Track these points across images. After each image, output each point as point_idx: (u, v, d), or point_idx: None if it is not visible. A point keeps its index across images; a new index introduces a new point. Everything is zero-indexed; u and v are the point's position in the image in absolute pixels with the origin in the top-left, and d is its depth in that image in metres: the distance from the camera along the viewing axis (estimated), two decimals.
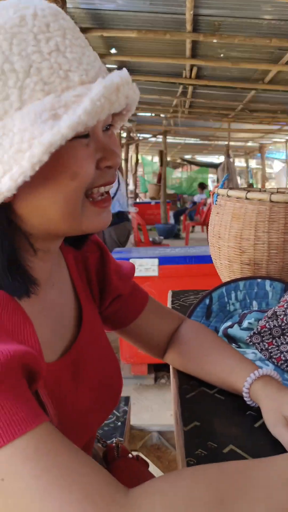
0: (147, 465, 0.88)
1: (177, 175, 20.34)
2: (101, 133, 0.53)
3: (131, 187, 14.28)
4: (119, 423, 1.34)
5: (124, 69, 0.50)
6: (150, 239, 6.37)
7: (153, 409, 2.48)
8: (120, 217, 3.84)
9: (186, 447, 0.61)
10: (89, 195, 0.54)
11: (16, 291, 0.53)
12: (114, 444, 0.89)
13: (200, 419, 0.68)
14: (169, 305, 1.30)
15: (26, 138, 0.44)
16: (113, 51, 5.07)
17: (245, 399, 0.68)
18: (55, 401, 0.55)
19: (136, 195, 14.00)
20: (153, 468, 1.58)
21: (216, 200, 1.18)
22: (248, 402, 0.68)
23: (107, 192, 0.57)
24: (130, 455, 0.90)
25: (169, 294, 1.41)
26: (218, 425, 0.66)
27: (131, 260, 2.59)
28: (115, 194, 3.77)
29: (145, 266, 2.60)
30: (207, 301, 1.03)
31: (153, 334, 0.83)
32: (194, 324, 0.85)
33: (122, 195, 3.89)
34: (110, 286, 0.77)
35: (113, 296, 0.79)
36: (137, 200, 13.46)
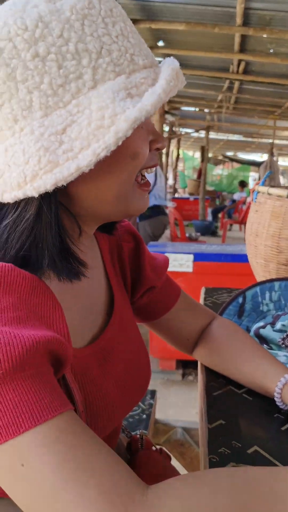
0: (169, 458, 0.88)
1: (217, 172, 20.09)
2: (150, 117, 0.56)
3: (170, 181, 14.24)
4: (144, 416, 1.34)
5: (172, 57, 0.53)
6: (187, 235, 6.33)
7: (179, 405, 2.47)
8: (156, 211, 3.82)
9: (210, 444, 0.60)
10: (136, 178, 0.56)
11: (68, 273, 0.53)
12: (138, 436, 0.89)
13: (225, 418, 0.67)
14: (201, 302, 1.29)
15: (107, 115, 0.45)
16: (160, 43, 5.04)
17: (276, 401, 0.67)
18: (81, 387, 0.56)
19: (175, 190, 13.94)
20: (175, 464, 1.59)
21: (256, 198, 1.15)
22: (279, 404, 0.67)
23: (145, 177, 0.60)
24: (154, 448, 0.90)
25: (202, 290, 1.40)
26: (244, 425, 0.65)
27: (165, 255, 2.59)
28: (152, 187, 3.76)
29: (180, 262, 2.59)
30: (240, 299, 1.01)
31: (183, 329, 0.82)
32: (226, 322, 0.84)
33: (160, 189, 3.87)
34: (143, 278, 0.77)
35: (146, 287, 0.78)
36: (176, 195, 13.40)
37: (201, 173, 10.64)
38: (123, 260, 0.76)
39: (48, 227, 0.50)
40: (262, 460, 0.57)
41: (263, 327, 0.93)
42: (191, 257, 2.59)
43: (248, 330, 0.97)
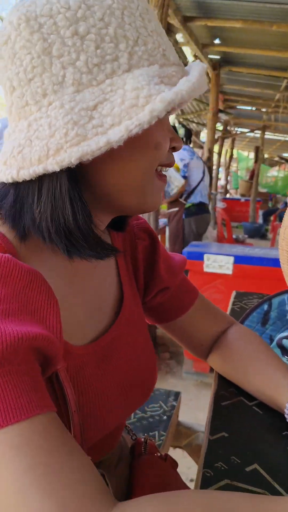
0: (175, 466, 0.85)
1: (273, 174, 19.53)
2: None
3: (222, 182, 14.01)
4: (165, 417, 1.32)
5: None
6: (234, 236, 6.21)
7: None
8: (201, 209, 3.77)
9: (207, 457, 0.58)
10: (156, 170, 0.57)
11: (93, 254, 0.53)
12: (143, 439, 0.87)
13: (229, 430, 0.64)
14: (230, 305, 1.25)
15: (142, 95, 0.46)
16: (217, 41, 4.96)
17: (286, 416, 0.63)
18: (76, 386, 0.55)
19: (226, 191, 13.70)
20: (194, 467, 1.56)
21: None
22: None
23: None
24: (158, 454, 0.88)
25: (233, 294, 1.35)
26: (248, 440, 0.62)
27: (205, 255, 2.54)
28: (198, 184, 3.71)
29: (219, 263, 2.53)
30: (266, 306, 0.97)
31: (198, 333, 0.80)
32: (243, 329, 0.80)
33: (205, 187, 3.82)
34: (157, 278, 0.75)
35: (159, 288, 0.76)
36: (227, 195, 13.17)
37: (253, 174, 10.39)
38: (136, 259, 0.74)
39: (69, 206, 0.49)
40: (259, 480, 0.54)
41: (287, 337, 0.88)
42: (232, 259, 2.53)
43: (271, 339, 0.93)
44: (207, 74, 5.95)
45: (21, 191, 0.51)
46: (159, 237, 4.37)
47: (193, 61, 5.22)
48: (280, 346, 0.88)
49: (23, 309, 0.46)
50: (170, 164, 0.59)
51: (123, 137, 0.45)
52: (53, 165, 0.46)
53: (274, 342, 0.90)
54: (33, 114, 0.48)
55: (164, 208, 3.94)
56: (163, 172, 0.59)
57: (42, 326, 0.47)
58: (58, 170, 0.46)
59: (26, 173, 0.48)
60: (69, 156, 0.45)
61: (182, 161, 3.58)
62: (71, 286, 0.59)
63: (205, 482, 0.53)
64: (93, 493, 0.38)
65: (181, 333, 0.81)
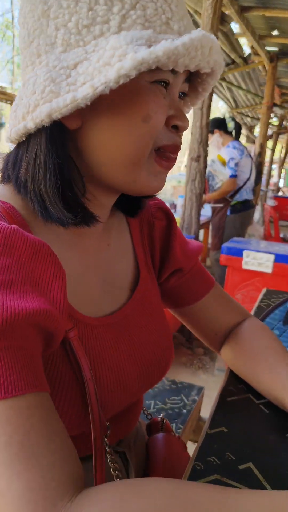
0: (185, 448, 0.85)
1: None
2: (177, 94, 0.54)
3: (274, 179, 13.62)
4: (185, 411, 1.31)
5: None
6: (281, 235, 6.02)
7: None
8: (246, 205, 3.70)
9: (201, 449, 0.56)
10: (157, 151, 0.54)
11: (73, 218, 0.52)
12: (159, 419, 0.87)
13: (230, 426, 0.61)
14: (257, 302, 1.21)
15: (117, 54, 0.44)
16: (275, 32, 4.79)
17: None
18: (92, 356, 0.55)
19: (278, 189, 13.31)
20: None
21: None
22: None
23: (174, 156, 0.56)
24: (172, 433, 0.87)
25: (262, 291, 1.31)
26: (247, 437, 0.59)
27: (245, 252, 2.48)
28: (244, 183, 3.63)
29: (259, 261, 2.46)
30: None
31: (211, 323, 0.78)
32: (257, 324, 0.77)
33: (251, 184, 3.73)
34: (172, 257, 0.75)
35: (174, 268, 0.76)
36: (280, 193, 12.79)
37: None
38: (153, 238, 0.74)
39: (45, 168, 0.50)
40: (251, 480, 0.51)
41: None
42: (272, 257, 2.45)
43: None
44: (264, 66, 5.77)
45: (19, 153, 0.53)
46: (202, 231, 4.33)
47: (250, 53, 5.05)
48: None
49: (26, 280, 0.45)
50: (175, 146, 0.55)
51: (88, 95, 0.44)
52: (30, 122, 0.48)
53: None
54: (28, 74, 0.51)
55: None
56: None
57: (45, 298, 0.46)
58: (33, 127, 0.48)
59: (14, 133, 0.50)
60: (39, 113, 0.46)
61: (233, 160, 3.51)
62: (84, 260, 0.60)
63: (194, 474, 0.52)
64: (61, 478, 0.38)
65: (195, 321, 0.79)
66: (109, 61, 0.44)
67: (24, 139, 0.52)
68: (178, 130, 0.55)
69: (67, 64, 0.47)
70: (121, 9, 0.47)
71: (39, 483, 0.37)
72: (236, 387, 0.72)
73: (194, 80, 0.58)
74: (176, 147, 0.55)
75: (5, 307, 0.40)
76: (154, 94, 0.50)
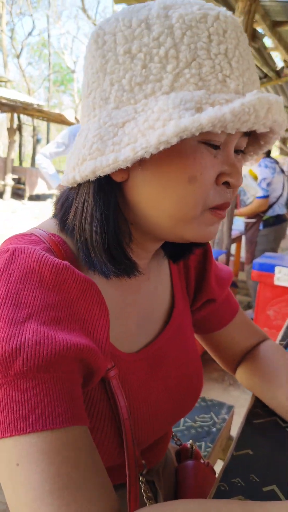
0: (214, 473, 0.86)
1: None
2: (233, 150, 0.52)
3: None
4: (214, 429, 1.31)
5: (281, 97, 0.49)
6: None
7: None
8: (279, 219, 3.67)
9: (226, 471, 0.58)
10: (207, 203, 0.51)
11: (115, 271, 0.53)
12: (189, 445, 0.88)
13: (255, 448, 0.63)
14: (286, 323, 1.21)
15: (162, 117, 0.43)
16: None
17: None
18: (127, 393, 0.57)
19: None
20: None
21: None
22: None
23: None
24: (202, 460, 0.89)
25: None
26: (272, 460, 0.61)
27: (276, 268, 2.47)
28: (277, 199, 3.61)
29: None
30: None
31: (232, 347, 0.80)
32: (274, 345, 0.79)
33: (284, 199, 3.70)
34: (206, 287, 0.75)
35: (207, 298, 0.77)
36: None
37: None
38: (188, 267, 0.75)
39: (92, 218, 0.51)
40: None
41: None
42: None
43: None
44: None
45: (69, 197, 0.56)
46: (234, 245, 4.32)
47: (283, 66, 5.02)
48: None
49: (73, 318, 0.47)
50: (225, 204, 0.53)
51: (129, 157, 0.44)
52: (77, 174, 0.49)
53: None
54: (84, 124, 0.52)
55: (241, 217, 3.89)
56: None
57: (89, 338, 0.48)
58: (79, 180, 0.49)
59: (65, 179, 0.52)
60: (85, 169, 0.48)
61: (265, 180, 3.51)
62: (125, 297, 0.61)
63: (219, 495, 0.54)
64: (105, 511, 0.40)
65: (216, 346, 0.81)
66: (153, 124, 0.44)
67: (75, 185, 0.53)
68: (229, 186, 0.53)
69: (116, 122, 0.47)
70: (175, 68, 0.45)
71: None
72: (263, 410, 0.73)
73: (254, 133, 0.56)
74: (227, 205, 0.53)
75: (57, 340, 0.43)
76: (201, 154, 0.48)
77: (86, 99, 0.52)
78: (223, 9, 0.49)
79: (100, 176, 0.48)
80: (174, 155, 0.47)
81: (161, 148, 0.43)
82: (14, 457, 0.40)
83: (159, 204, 0.50)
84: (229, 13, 0.49)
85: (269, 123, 0.47)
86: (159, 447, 0.71)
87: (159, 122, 0.43)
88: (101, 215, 0.50)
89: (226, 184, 0.52)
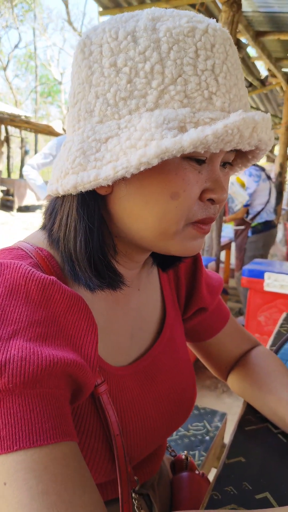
0: (209, 483, 0.85)
1: None
2: (218, 166, 0.51)
3: None
4: (207, 437, 1.31)
5: (269, 114, 0.49)
6: None
7: None
8: (267, 226, 3.70)
9: (218, 479, 0.58)
10: (192, 219, 0.51)
11: (100, 285, 0.52)
12: (183, 456, 0.88)
13: (247, 456, 0.63)
14: (277, 327, 1.21)
15: (144, 137, 0.43)
16: None
17: None
18: (119, 406, 0.56)
19: None
20: None
21: None
22: None
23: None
24: (196, 471, 0.88)
25: (283, 316, 1.31)
26: (265, 467, 0.61)
27: (266, 274, 2.48)
28: (266, 204, 3.64)
29: (281, 283, 2.45)
30: None
31: (223, 355, 0.80)
32: (265, 351, 0.79)
33: (271, 206, 3.74)
34: (198, 296, 0.75)
35: (199, 306, 0.76)
36: None
37: None
38: (179, 276, 0.74)
39: (75, 232, 0.50)
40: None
41: None
42: None
43: None
44: (281, 87, 5.82)
45: (55, 206, 0.55)
46: (224, 252, 4.34)
47: (267, 75, 5.09)
48: None
49: (60, 334, 0.46)
50: (210, 219, 0.52)
51: (109, 176, 0.44)
52: (59, 187, 0.49)
53: None
54: (69, 135, 0.52)
55: (231, 224, 3.92)
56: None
57: (77, 353, 0.47)
58: (62, 193, 0.49)
59: (49, 188, 0.52)
60: (67, 183, 0.47)
61: (248, 190, 3.55)
62: (115, 310, 0.60)
63: (211, 504, 0.53)
64: None
65: (208, 353, 0.81)
66: (135, 143, 0.43)
67: (60, 195, 0.52)
68: (213, 202, 0.52)
69: (99, 137, 0.46)
70: (161, 84, 0.45)
71: None
72: (255, 416, 0.73)
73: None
74: (210, 220, 0.53)
75: (43, 356, 0.42)
76: (184, 171, 0.47)
77: (72, 109, 0.51)
78: (212, 21, 0.48)
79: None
80: (157, 171, 0.46)
81: (142, 169, 0.43)
82: (1, 476, 0.39)
83: (142, 219, 0.50)
84: (218, 25, 0.48)
85: (254, 142, 0.47)
86: (153, 461, 0.70)
87: (141, 141, 0.43)
88: (85, 228, 0.50)
89: (211, 200, 0.51)
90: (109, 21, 0.49)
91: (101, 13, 3.91)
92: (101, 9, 3.94)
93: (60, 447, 0.41)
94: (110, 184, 0.46)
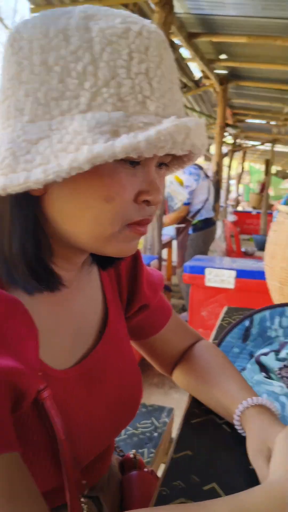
0: (158, 479, 0.86)
1: (285, 186, 19.45)
2: (153, 167, 0.51)
3: (233, 194, 14.00)
4: (156, 434, 1.32)
5: (203, 119, 0.49)
6: (243, 249, 6.18)
7: None
8: (207, 223, 3.80)
9: (167, 475, 0.58)
10: (127, 221, 0.51)
11: (38, 287, 0.51)
12: (131, 456, 0.87)
13: (194, 449, 0.63)
14: (219, 321, 1.24)
15: (76, 141, 0.42)
16: (222, 56, 5.01)
17: (235, 424, 0.64)
18: (64, 410, 0.54)
19: (237, 203, 13.67)
20: None
21: (276, 217, 1.10)
22: (237, 429, 0.64)
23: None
24: (145, 469, 0.88)
25: (224, 309, 1.35)
26: (211, 459, 0.62)
27: (207, 269, 2.54)
28: (204, 204, 3.74)
29: (221, 277, 2.52)
30: (247, 323, 0.97)
31: (167, 351, 0.80)
32: (207, 345, 0.81)
33: (210, 203, 3.85)
34: (139, 293, 0.75)
35: (141, 304, 0.76)
36: (239, 208, 13.14)
37: (264, 187, 10.37)
38: (120, 275, 0.74)
39: (10, 232, 0.49)
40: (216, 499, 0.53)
41: (266, 354, 0.88)
42: (234, 273, 2.52)
43: (251, 355, 0.93)
44: (214, 89, 6.00)
45: None
46: (166, 250, 4.40)
47: (201, 77, 5.22)
48: (258, 363, 0.87)
49: None
50: (146, 220, 0.52)
51: (40, 179, 0.42)
52: None
53: (253, 359, 0.90)
54: None
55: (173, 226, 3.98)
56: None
57: (17, 359, 0.45)
58: None
59: None
60: None
61: (188, 188, 3.62)
62: (57, 312, 0.58)
63: (160, 500, 0.53)
64: None
65: (152, 350, 0.81)
66: (66, 147, 0.42)
67: None
68: (149, 203, 0.52)
69: (30, 137, 0.44)
70: (93, 85, 0.44)
71: None
72: (200, 409, 0.74)
73: None
74: (147, 221, 0.53)
75: None
76: (118, 174, 0.47)
77: (1, 105, 0.49)
78: (147, 23, 0.47)
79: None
80: (90, 174, 0.45)
81: (73, 173, 0.42)
82: None
83: (76, 221, 0.49)
84: (153, 27, 0.47)
85: (188, 147, 0.46)
86: (102, 462, 0.69)
87: (72, 145, 0.42)
88: (20, 230, 0.48)
89: (146, 201, 0.51)
90: (41, 15, 0.47)
91: (33, 10, 3.82)
92: (32, 6, 3.86)
93: (2, 459, 0.39)
94: (41, 187, 0.44)
